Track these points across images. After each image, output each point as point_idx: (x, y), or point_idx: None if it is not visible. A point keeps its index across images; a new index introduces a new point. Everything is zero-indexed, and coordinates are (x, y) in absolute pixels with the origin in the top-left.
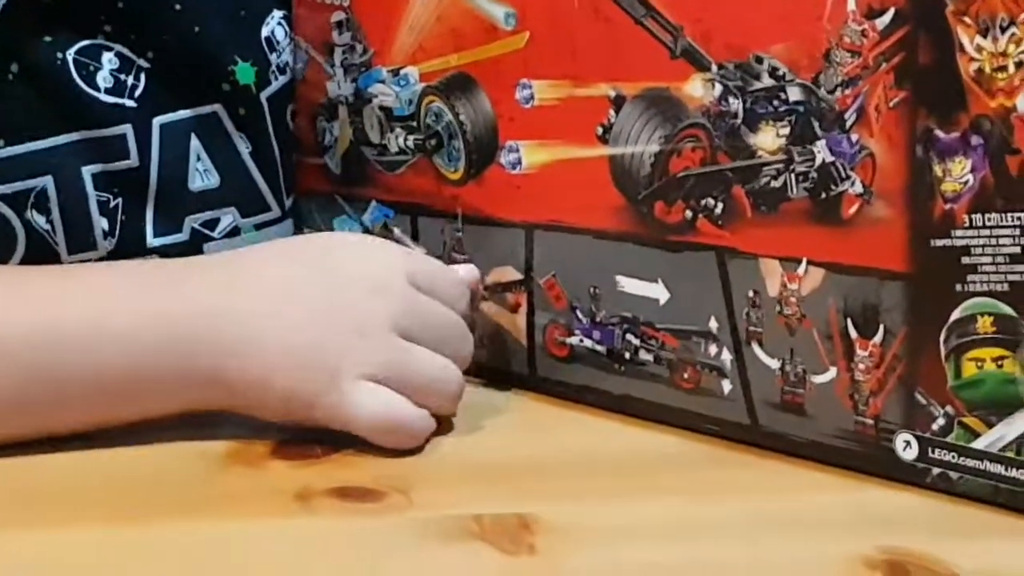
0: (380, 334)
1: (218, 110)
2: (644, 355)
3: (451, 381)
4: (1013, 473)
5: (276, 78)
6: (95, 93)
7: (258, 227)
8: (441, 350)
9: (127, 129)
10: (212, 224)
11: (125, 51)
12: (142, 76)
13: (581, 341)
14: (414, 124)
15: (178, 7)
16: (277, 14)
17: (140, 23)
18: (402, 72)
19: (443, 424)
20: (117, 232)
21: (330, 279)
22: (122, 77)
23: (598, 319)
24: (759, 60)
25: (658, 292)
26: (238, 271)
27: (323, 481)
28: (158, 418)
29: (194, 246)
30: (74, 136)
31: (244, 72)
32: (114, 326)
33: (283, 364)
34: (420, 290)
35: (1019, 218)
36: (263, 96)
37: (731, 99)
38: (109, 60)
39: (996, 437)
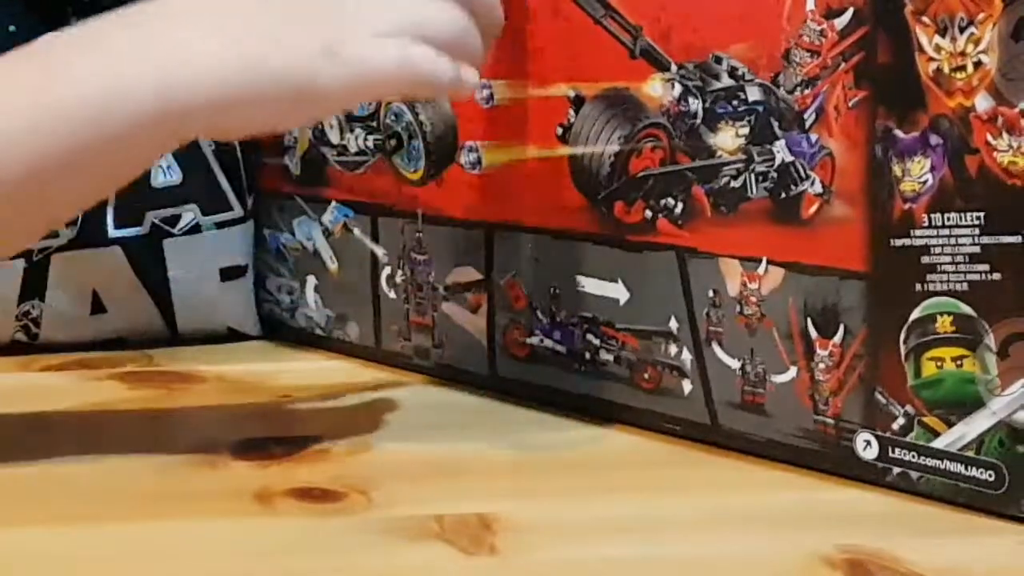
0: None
1: None
2: (604, 355)
3: (452, 18)
4: (973, 472)
5: None
6: None
7: (219, 225)
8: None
9: None
10: (173, 220)
11: None
12: None
13: (541, 341)
14: (374, 124)
15: None
16: None
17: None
18: None
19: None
20: (78, 221)
21: None
22: None
23: (558, 319)
24: (718, 60)
25: (618, 292)
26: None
27: (283, 482)
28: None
29: (154, 240)
30: None
31: None
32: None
33: (271, 53)
34: None
35: (978, 217)
36: None
37: (690, 99)
38: None
39: (956, 436)
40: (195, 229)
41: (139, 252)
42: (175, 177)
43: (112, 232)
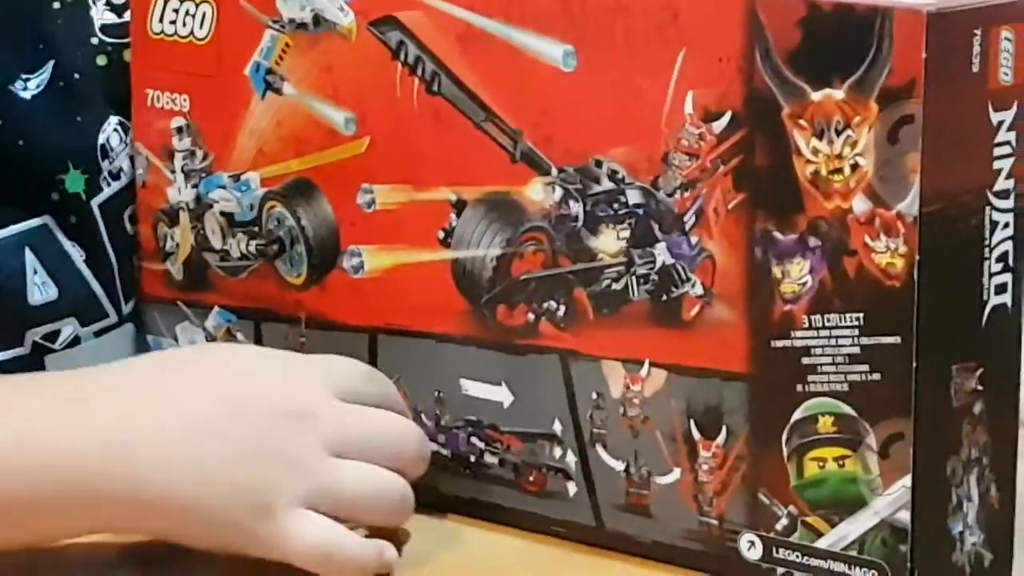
0: (308, 461)
1: (48, 221)
2: (489, 458)
3: (389, 494)
4: (856, 572)
5: (108, 184)
6: None
7: (97, 334)
8: (381, 458)
9: None
10: (53, 336)
11: None
12: None
13: None
14: (256, 229)
15: (1, 122)
16: (113, 120)
17: None
18: (243, 177)
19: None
20: None
21: (250, 410)
22: None
23: (443, 423)
24: (599, 163)
25: (502, 395)
26: (154, 399)
27: None
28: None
29: (35, 359)
30: None
31: (74, 181)
32: (22, 455)
33: (206, 499)
34: (347, 399)
35: (858, 319)
36: (94, 203)
37: (571, 202)
38: None
39: (839, 536)
40: (75, 342)
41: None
42: (52, 293)
43: None
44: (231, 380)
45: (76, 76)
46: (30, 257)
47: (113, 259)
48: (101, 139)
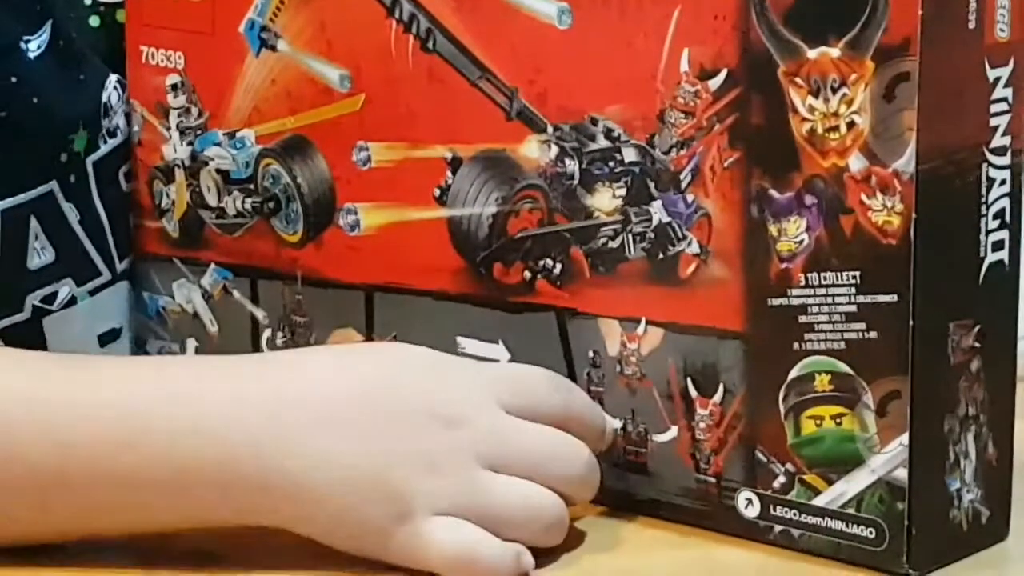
0: (455, 468)
1: (53, 187)
2: None
3: (542, 510)
4: (854, 529)
5: (105, 142)
6: None
7: (92, 292)
8: (540, 477)
9: None
10: (50, 298)
11: None
12: None
13: None
14: (251, 187)
15: (14, 79)
16: (112, 78)
17: None
18: (238, 135)
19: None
20: None
21: (399, 409)
22: None
23: None
24: (594, 121)
25: (499, 353)
26: (300, 386)
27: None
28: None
29: (34, 322)
30: None
31: (81, 141)
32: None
33: (347, 497)
34: (511, 410)
35: (854, 277)
36: (89, 161)
37: (567, 160)
38: None
39: (837, 494)
40: (71, 302)
41: (20, 339)
42: (49, 256)
43: None
44: (388, 378)
45: (73, 35)
46: (34, 224)
47: (104, 216)
48: (104, 96)
